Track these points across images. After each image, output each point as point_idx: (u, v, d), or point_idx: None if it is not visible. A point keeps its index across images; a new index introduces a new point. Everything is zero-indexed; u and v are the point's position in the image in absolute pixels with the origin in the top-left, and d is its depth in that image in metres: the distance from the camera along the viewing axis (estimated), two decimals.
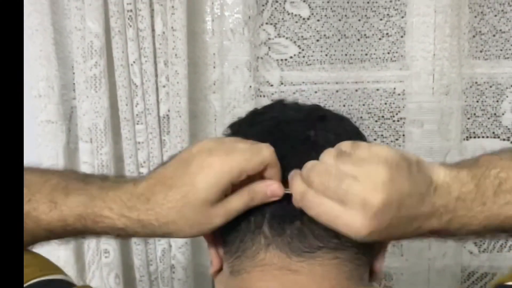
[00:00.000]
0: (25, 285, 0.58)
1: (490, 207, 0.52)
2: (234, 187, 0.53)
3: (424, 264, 1.12)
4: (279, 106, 0.62)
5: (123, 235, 0.58)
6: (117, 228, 0.56)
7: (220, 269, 0.60)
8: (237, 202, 0.53)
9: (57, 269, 0.63)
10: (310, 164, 0.52)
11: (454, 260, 1.11)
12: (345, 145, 0.52)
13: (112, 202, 0.55)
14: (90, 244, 1.07)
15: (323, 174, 0.51)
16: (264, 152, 0.53)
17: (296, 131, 0.57)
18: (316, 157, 0.53)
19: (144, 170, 1.04)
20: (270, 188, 0.53)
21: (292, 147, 0.55)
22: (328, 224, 0.50)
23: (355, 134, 0.61)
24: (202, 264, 1.13)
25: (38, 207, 0.58)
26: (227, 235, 0.57)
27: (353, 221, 0.49)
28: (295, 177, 0.52)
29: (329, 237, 0.54)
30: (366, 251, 0.57)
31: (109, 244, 1.06)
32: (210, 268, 0.61)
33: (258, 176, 0.54)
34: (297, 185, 0.52)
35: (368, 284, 0.59)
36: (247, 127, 0.60)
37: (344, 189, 0.49)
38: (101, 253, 1.06)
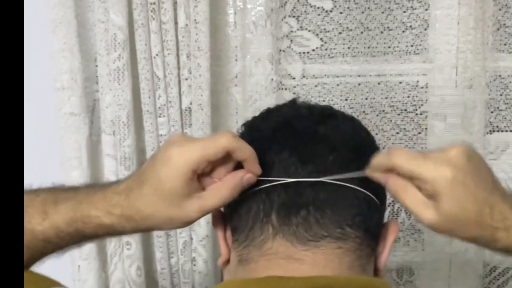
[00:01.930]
0: None
1: None
2: (206, 179, 0.56)
3: (446, 259, 1.12)
4: (291, 104, 0.64)
5: (112, 233, 0.60)
6: (105, 225, 0.58)
7: (228, 260, 0.61)
8: (212, 198, 0.55)
9: (55, 284, 0.64)
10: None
11: (475, 255, 1.10)
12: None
13: (97, 202, 0.58)
14: None
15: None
16: (221, 138, 0.54)
17: (305, 126, 0.58)
18: (324, 149, 0.56)
19: None
20: (245, 178, 0.55)
21: (301, 140, 0.57)
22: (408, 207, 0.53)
23: (365, 134, 0.63)
24: None
25: (31, 220, 0.60)
26: (237, 223, 0.59)
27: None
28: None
29: (333, 227, 0.55)
30: (370, 243, 0.58)
31: (131, 237, 1.06)
32: (219, 259, 0.62)
33: (233, 165, 0.56)
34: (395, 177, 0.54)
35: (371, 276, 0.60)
36: (259, 122, 0.62)
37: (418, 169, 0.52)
38: (123, 245, 1.07)
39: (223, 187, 0.55)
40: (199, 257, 1.08)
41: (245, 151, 0.55)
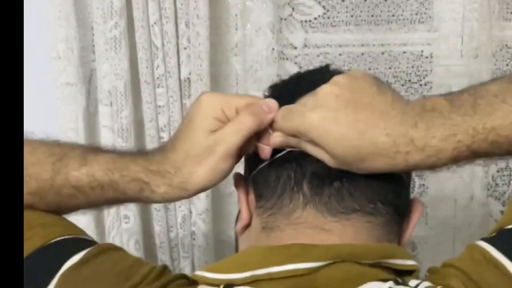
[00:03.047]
0: (52, 241, 0.59)
1: (473, 117, 0.50)
2: None
3: (449, 233, 1.10)
4: (324, 70, 0.64)
5: (145, 191, 0.59)
6: (142, 181, 0.58)
7: (248, 225, 0.60)
8: (247, 115, 0.55)
9: (81, 232, 0.64)
10: None
11: (479, 229, 1.09)
12: None
13: (138, 157, 0.59)
14: (110, 210, 1.06)
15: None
16: (253, 99, 0.57)
17: None
18: None
19: (164, 135, 1.02)
20: (264, 103, 0.56)
21: None
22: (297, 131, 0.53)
23: None
24: (222, 231, 1.12)
25: (69, 163, 0.61)
26: (263, 190, 0.57)
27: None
28: None
29: (366, 201, 0.54)
30: (398, 220, 0.57)
31: (129, 210, 1.04)
32: (237, 224, 0.61)
33: None
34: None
35: None
36: (291, 87, 0.62)
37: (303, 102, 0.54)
38: (121, 219, 1.05)
39: (253, 107, 0.56)
40: (199, 231, 1.07)
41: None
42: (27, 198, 0.61)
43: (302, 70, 0.66)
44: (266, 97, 0.61)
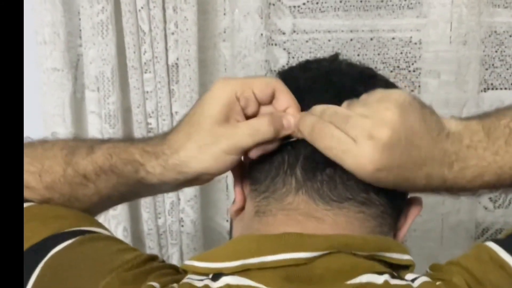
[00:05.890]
0: (62, 231, 0.59)
1: (503, 157, 0.52)
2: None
3: (438, 220, 1.10)
4: (332, 58, 0.62)
5: (145, 177, 0.58)
6: (137, 162, 0.58)
7: (242, 208, 0.59)
8: (266, 123, 0.53)
9: (95, 224, 0.63)
10: (320, 107, 0.53)
11: (468, 215, 1.09)
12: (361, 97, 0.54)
13: (139, 142, 0.60)
14: None
15: (333, 114, 0.52)
16: (269, 78, 0.55)
17: (344, 83, 0.57)
18: None
19: (152, 120, 1.02)
20: (285, 119, 0.53)
21: (337, 97, 0.54)
22: (336, 159, 0.51)
23: None
24: (211, 218, 1.12)
25: (79, 153, 0.62)
26: (257, 172, 0.56)
27: (361, 154, 0.49)
28: (306, 113, 0.53)
29: (359, 190, 0.53)
30: (392, 212, 0.56)
31: None
32: (232, 206, 0.59)
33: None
34: (308, 117, 0.53)
35: None
36: (297, 72, 0.60)
37: (352, 124, 0.50)
38: None
39: (274, 118, 0.54)
40: (187, 218, 1.06)
41: (290, 97, 0.54)
42: (43, 193, 0.62)
43: (310, 58, 0.64)
44: None
